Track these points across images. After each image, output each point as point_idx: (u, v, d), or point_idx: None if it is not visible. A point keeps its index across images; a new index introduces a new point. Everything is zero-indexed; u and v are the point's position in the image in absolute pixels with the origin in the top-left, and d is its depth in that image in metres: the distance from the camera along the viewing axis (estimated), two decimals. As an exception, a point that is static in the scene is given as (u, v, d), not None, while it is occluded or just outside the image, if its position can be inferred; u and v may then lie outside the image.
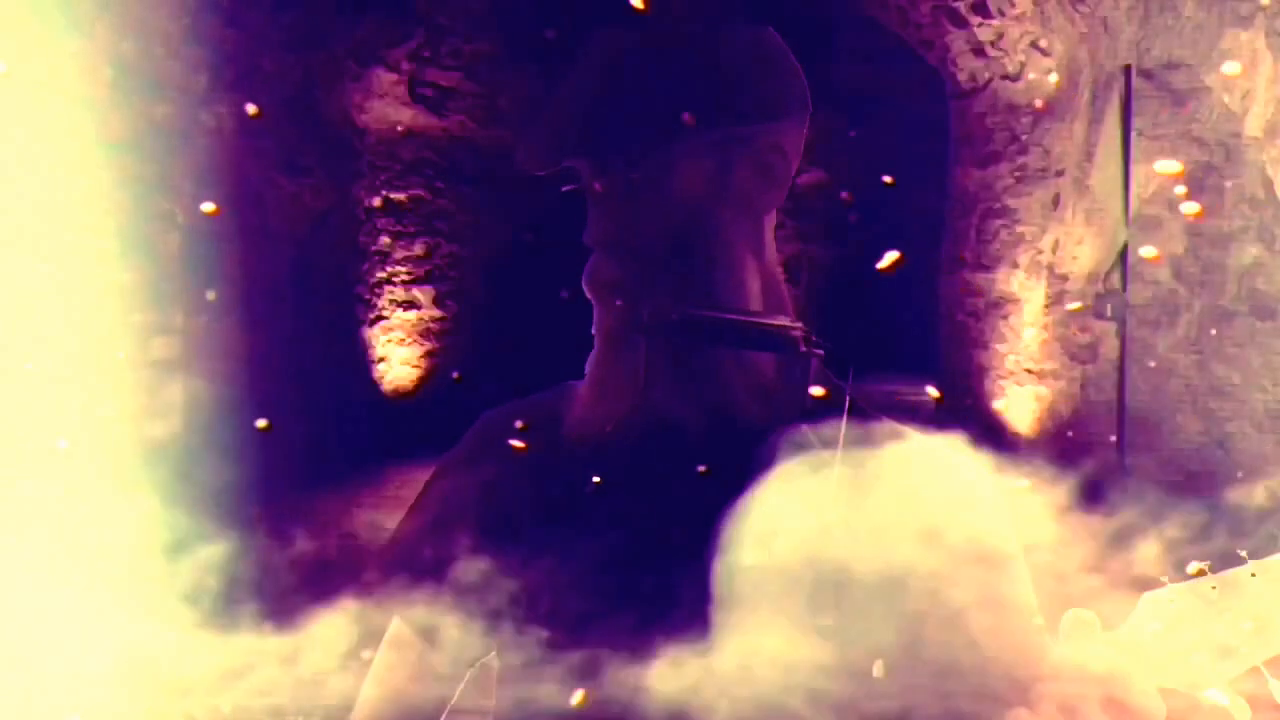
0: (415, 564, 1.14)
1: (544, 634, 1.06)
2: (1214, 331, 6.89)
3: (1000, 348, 8.63)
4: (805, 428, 1.07)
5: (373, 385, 9.33)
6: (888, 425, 1.15)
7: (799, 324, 1.08)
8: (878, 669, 0.99)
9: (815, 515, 1.02)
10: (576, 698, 1.01)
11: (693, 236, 1.09)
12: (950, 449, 1.13)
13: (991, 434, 8.41)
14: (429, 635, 1.14)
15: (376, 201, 9.35)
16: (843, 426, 1.09)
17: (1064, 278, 7.86)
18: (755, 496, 1.02)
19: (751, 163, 1.11)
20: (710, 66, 1.09)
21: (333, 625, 1.19)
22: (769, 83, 1.12)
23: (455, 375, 7.57)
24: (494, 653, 1.14)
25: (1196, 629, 0.90)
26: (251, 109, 6.34)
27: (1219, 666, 0.90)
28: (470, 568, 1.09)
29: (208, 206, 5.32)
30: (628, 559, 1.06)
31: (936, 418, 9.34)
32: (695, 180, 1.09)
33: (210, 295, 5.92)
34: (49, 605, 4.06)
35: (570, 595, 1.06)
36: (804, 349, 1.09)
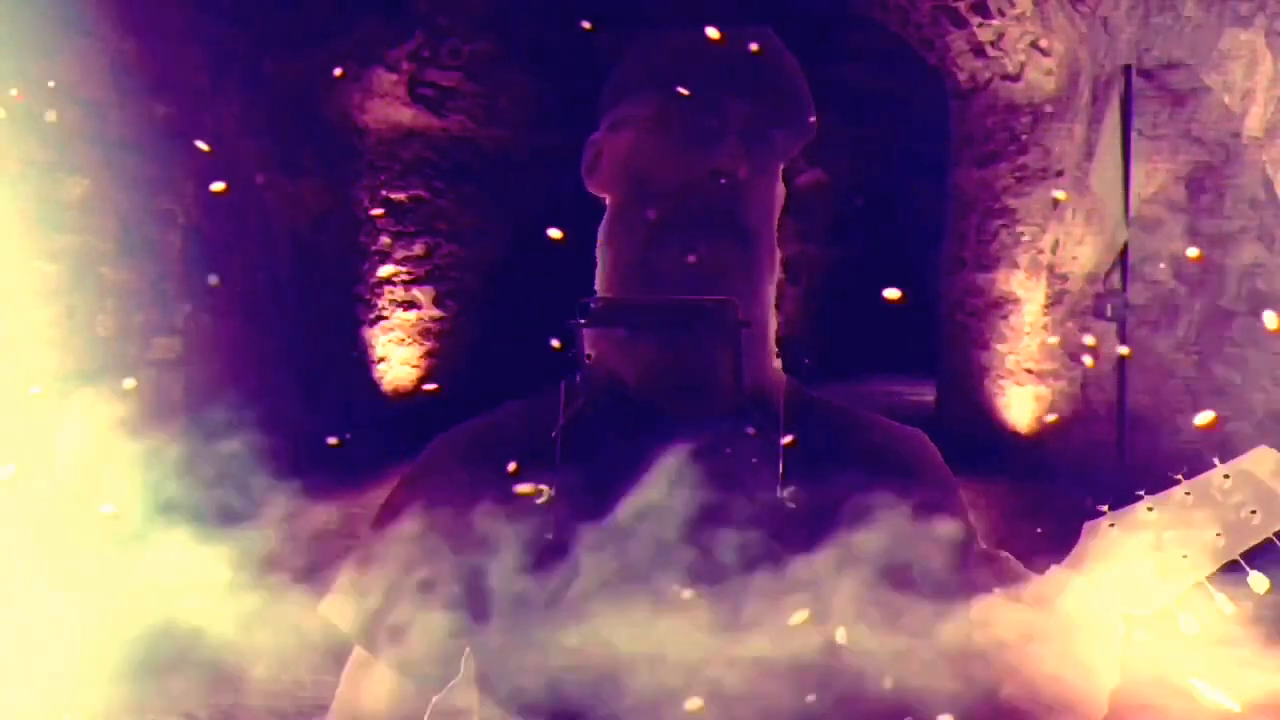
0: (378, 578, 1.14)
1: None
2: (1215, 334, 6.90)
3: (1000, 348, 8.63)
4: None
5: (373, 385, 9.34)
6: (835, 405, 1.20)
7: (725, 299, 1.09)
8: (840, 635, 1.01)
9: None
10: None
11: (765, 243, 1.16)
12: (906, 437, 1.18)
13: (991, 434, 8.41)
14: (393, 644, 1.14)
15: (377, 210, 9.36)
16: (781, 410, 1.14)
17: (1064, 278, 7.86)
18: None
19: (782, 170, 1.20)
20: (783, 82, 1.18)
21: (327, 626, 1.19)
22: (807, 104, 1.20)
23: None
24: (463, 672, 1.15)
25: (1138, 552, 0.94)
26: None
27: (1163, 586, 0.93)
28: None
29: (217, 186, 5.32)
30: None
31: (936, 417, 9.34)
32: (775, 178, 1.18)
33: (213, 280, 5.89)
34: (48, 605, 4.06)
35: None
36: (732, 325, 1.10)
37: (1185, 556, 0.93)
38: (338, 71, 7.73)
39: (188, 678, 4.25)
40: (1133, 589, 0.93)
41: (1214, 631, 0.91)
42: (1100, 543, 0.94)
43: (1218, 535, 0.94)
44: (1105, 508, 0.96)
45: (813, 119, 1.20)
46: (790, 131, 1.17)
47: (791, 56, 1.19)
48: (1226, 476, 0.96)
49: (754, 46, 1.16)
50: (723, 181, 1.10)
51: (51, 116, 4.82)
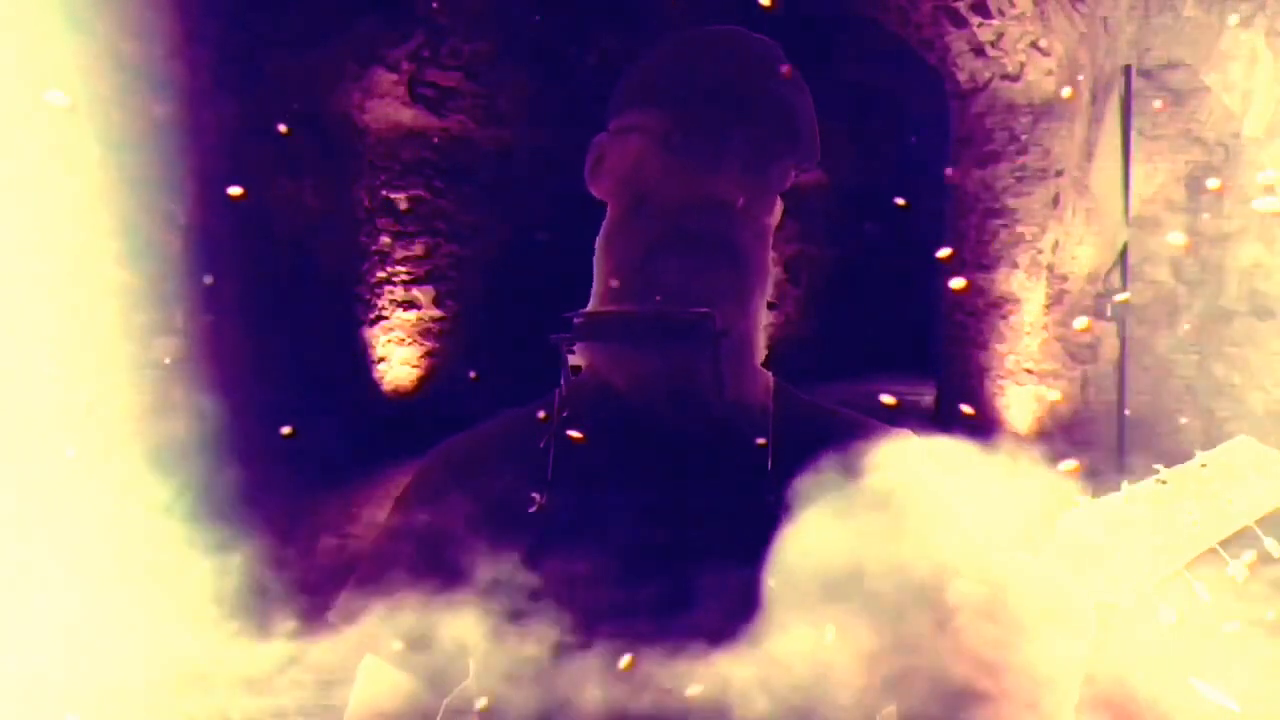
0: (390, 585, 1.15)
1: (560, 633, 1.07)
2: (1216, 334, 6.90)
3: (1000, 348, 8.64)
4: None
5: (373, 385, 9.34)
6: (821, 406, 1.22)
7: (702, 310, 1.11)
8: (830, 633, 1.02)
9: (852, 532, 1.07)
10: (624, 662, 1.04)
11: (758, 269, 1.17)
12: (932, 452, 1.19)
13: (991, 434, 8.42)
14: (413, 650, 1.15)
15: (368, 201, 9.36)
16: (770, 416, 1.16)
17: (1064, 278, 7.86)
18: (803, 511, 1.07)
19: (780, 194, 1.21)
20: (790, 113, 1.18)
21: (332, 630, 1.20)
22: (812, 135, 1.21)
23: (472, 375, 7.47)
24: (471, 677, 1.17)
25: (1122, 536, 0.94)
26: (282, 128, 6.33)
27: (1146, 571, 0.94)
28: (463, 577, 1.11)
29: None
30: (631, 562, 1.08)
31: (936, 417, 9.35)
32: (775, 202, 1.20)
33: (208, 280, 5.90)
34: (49, 607, 4.07)
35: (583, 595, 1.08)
36: (710, 335, 1.11)
37: (1162, 545, 0.94)
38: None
39: (187, 676, 4.26)
40: (1109, 578, 0.93)
41: (1192, 621, 0.91)
42: (1077, 532, 0.95)
43: (1195, 523, 0.95)
44: (1081, 499, 0.97)
45: (817, 150, 1.22)
46: (792, 163, 1.19)
47: (800, 80, 1.20)
48: (1204, 465, 0.97)
49: (766, 70, 1.17)
50: (720, 207, 1.12)
51: (52, 116, 4.83)
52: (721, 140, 1.14)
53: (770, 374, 1.22)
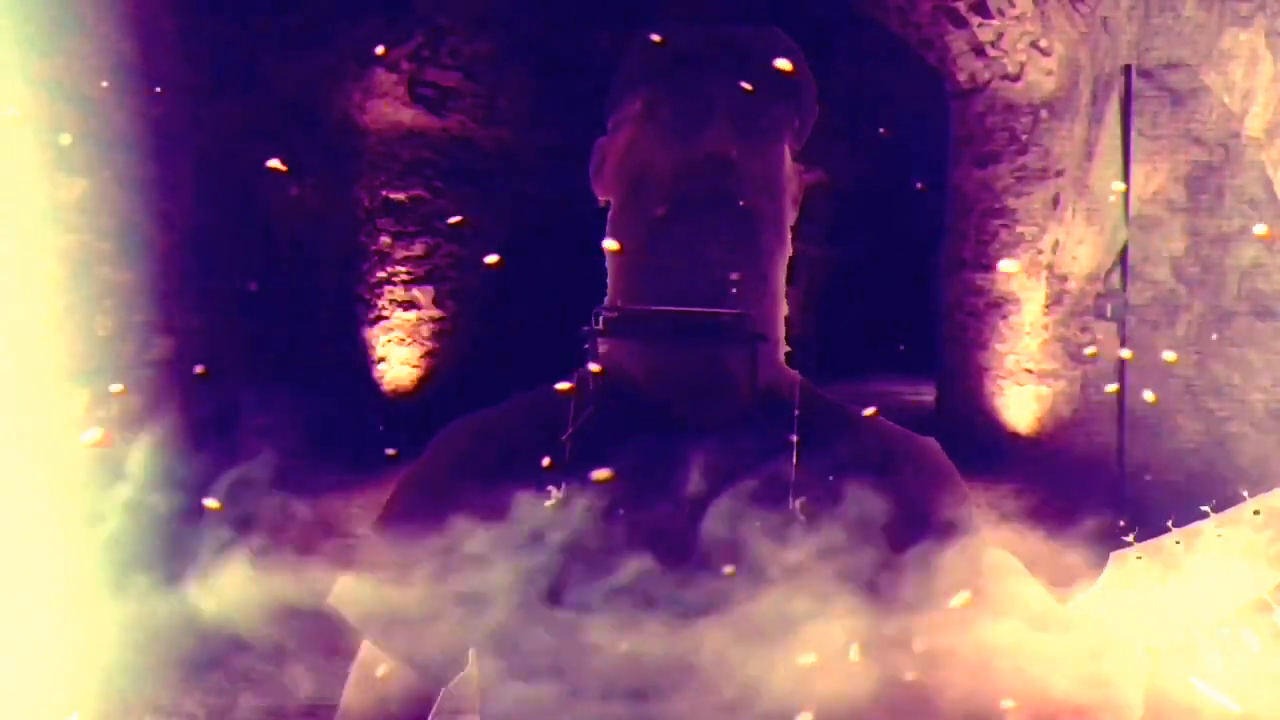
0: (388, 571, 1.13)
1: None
2: (1215, 336, 6.89)
3: (1000, 348, 8.63)
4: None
5: (373, 385, 9.34)
6: (848, 411, 1.18)
7: (737, 311, 1.08)
8: (854, 652, 1.00)
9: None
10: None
11: (770, 225, 1.16)
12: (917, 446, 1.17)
13: (991, 434, 8.41)
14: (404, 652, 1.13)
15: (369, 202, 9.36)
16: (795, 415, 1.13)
17: (1064, 278, 7.86)
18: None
19: (793, 164, 1.20)
20: (773, 49, 1.16)
21: (334, 620, 1.19)
22: (803, 81, 1.19)
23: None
24: (472, 664, 1.15)
25: (1165, 584, 0.92)
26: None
27: (1196, 616, 0.92)
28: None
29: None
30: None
31: (936, 417, 9.34)
32: (783, 169, 1.18)
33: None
34: (49, 604, 4.06)
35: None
36: (746, 336, 1.09)
37: (1213, 590, 0.92)
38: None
39: (186, 676, 4.25)
40: (1159, 621, 0.92)
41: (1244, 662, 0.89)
42: (1125, 573, 0.93)
43: (1246, 569, 0.92)
44: (1131, 538, 0.95)
45: (812, 95, 1.19)
46: (785, 108, 1.16)
47: (789, 40, 1.18)
48: (1257, 512, 0.94)
49: (742, 30, 1.16)
50: (718, 166, 1.09)
51: (52, 118, 4.82)
52: (704, 94, 1.11)
53: (796, 372, 1.19)
